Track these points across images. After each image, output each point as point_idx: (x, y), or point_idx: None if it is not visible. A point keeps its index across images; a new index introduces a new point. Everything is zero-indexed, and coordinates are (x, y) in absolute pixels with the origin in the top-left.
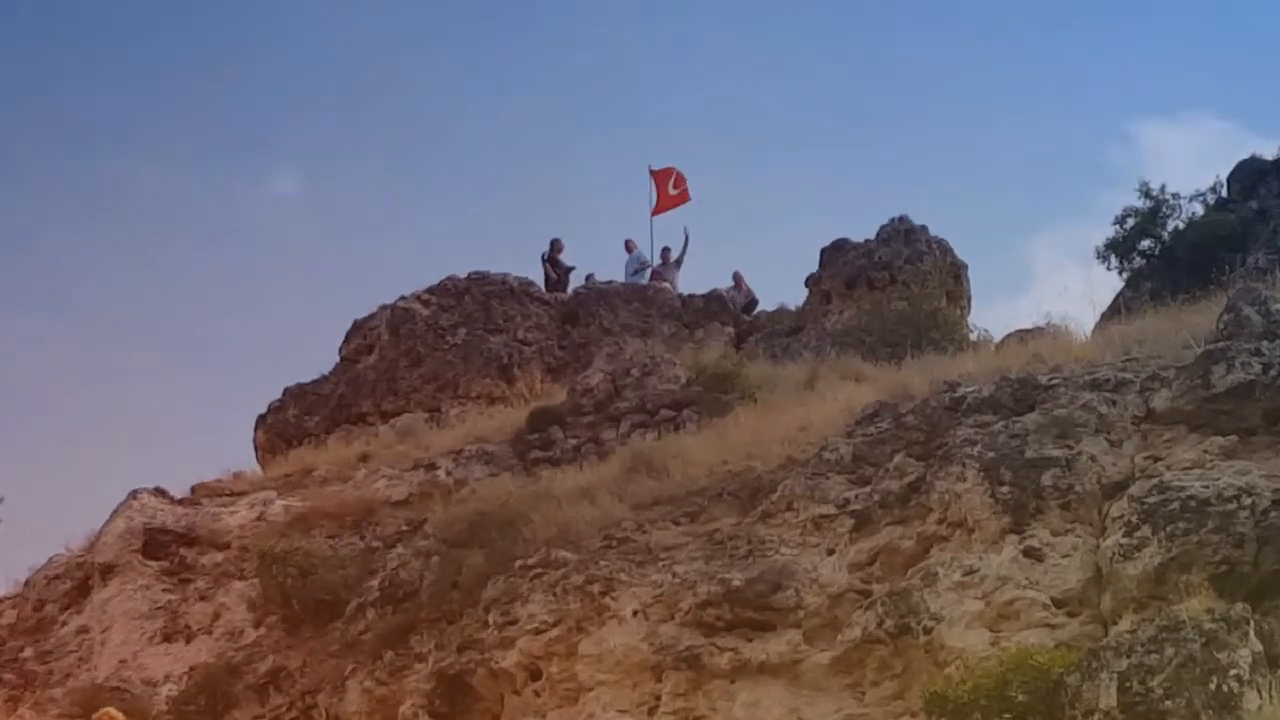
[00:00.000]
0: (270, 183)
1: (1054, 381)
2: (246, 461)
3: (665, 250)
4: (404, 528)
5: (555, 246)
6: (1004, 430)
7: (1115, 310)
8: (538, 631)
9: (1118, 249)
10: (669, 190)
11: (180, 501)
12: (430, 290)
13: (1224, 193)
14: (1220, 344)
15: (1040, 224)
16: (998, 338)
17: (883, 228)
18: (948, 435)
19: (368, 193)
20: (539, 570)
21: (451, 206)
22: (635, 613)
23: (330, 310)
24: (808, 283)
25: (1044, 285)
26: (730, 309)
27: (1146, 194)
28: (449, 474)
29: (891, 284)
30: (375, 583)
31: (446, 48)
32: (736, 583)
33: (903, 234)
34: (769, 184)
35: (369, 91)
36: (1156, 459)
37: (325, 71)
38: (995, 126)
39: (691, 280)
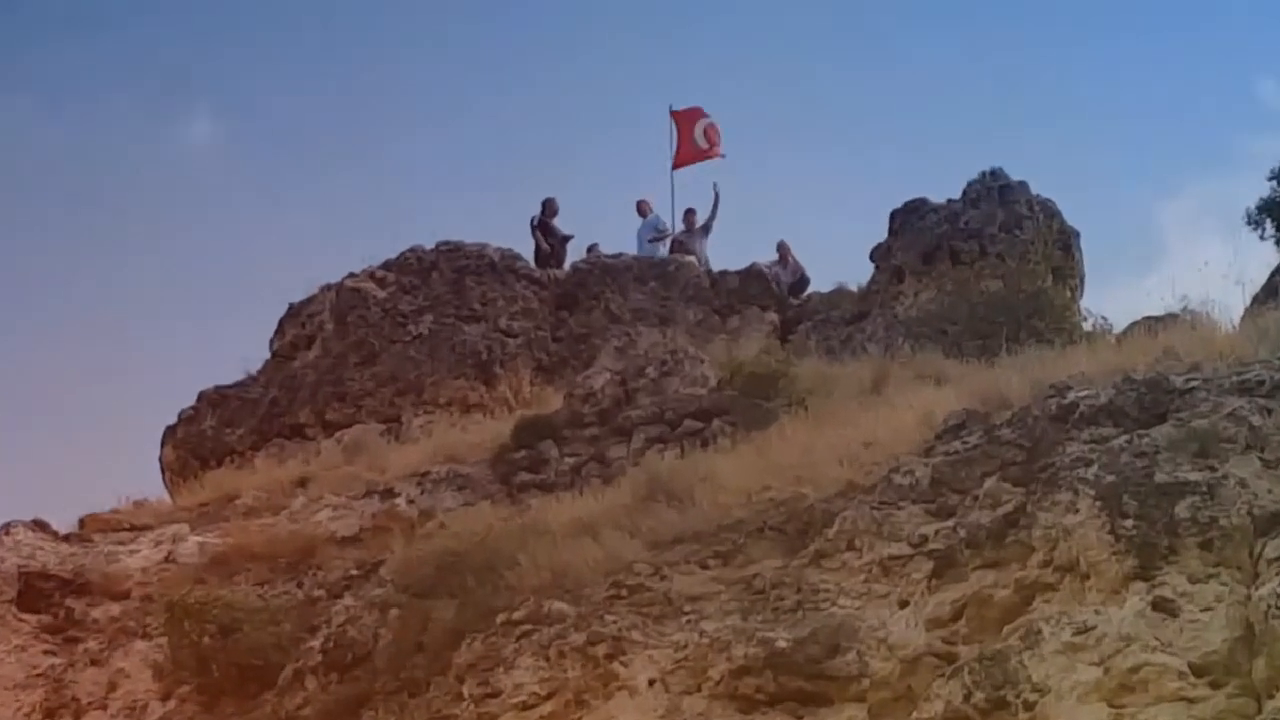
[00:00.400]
0: (184, 127)
1: (1192, 384)
2: (151, 486)
3: (689, 213)
4: (354, 572)
5: (548, 209)
6: (1127, 447)
7: (1270, 292)
8: (526, 706)
9: (1274, 212)
10: (695, 140)
11: (66, 538)
12: (387, 265)
13: None
14: None
15: (1173, 181)
16: (1119, 327)
17: (970, 185)
18: (1054, 453)
19: (306, 145)
20: (527, 627)
21: (416, 164)
22: (652, 682)
23: (259, 290)
24: (874, 255)
25: (1178, 259)
26: (774, 289)
27: None
28: (411, 503)
29: (982, 257)
30: (317, 643)
31: None
32: (782, 644)
33: (996, 192)
34: (823, 137)
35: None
36: None
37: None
38: (1114, 57)
39: (723, 253)
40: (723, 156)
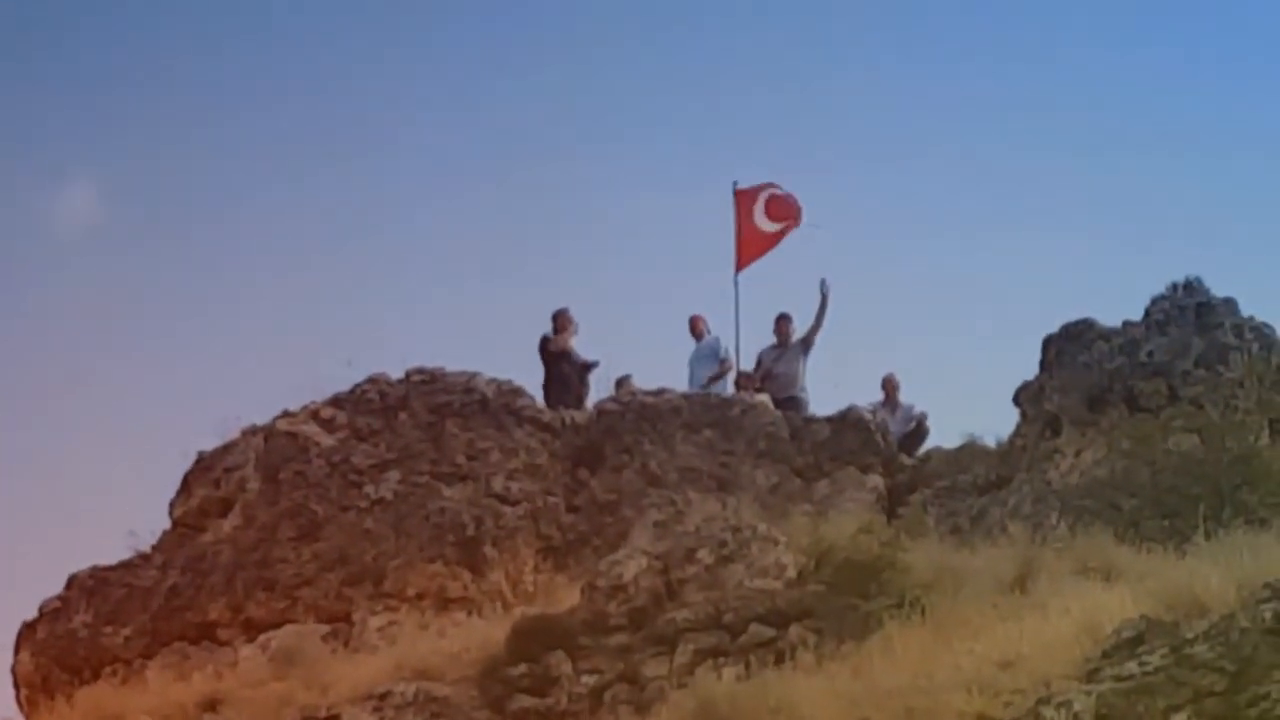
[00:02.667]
0: (60, 197)
1: None
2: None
3: (783, 321)
4: None
5: (559, 324)
6: None
7: None
8: None
9: None
10: (758, 222)
11: None
12: (337, 401)
13: None
14: None
15: None
16: None
17: (1156, 302)
18: (1269, 680)
19: (225, 229)
20: None
21: (381, 262)
22: None
23: (155, 433)
24: (1019, 398)
25: None
26: (879, 443)
27: None
28: None
29: (1171, 402)
30: None
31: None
32: None
33: (1191, 313)
34: (948, 231)
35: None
36: None
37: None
38: None
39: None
40: (781, 234)
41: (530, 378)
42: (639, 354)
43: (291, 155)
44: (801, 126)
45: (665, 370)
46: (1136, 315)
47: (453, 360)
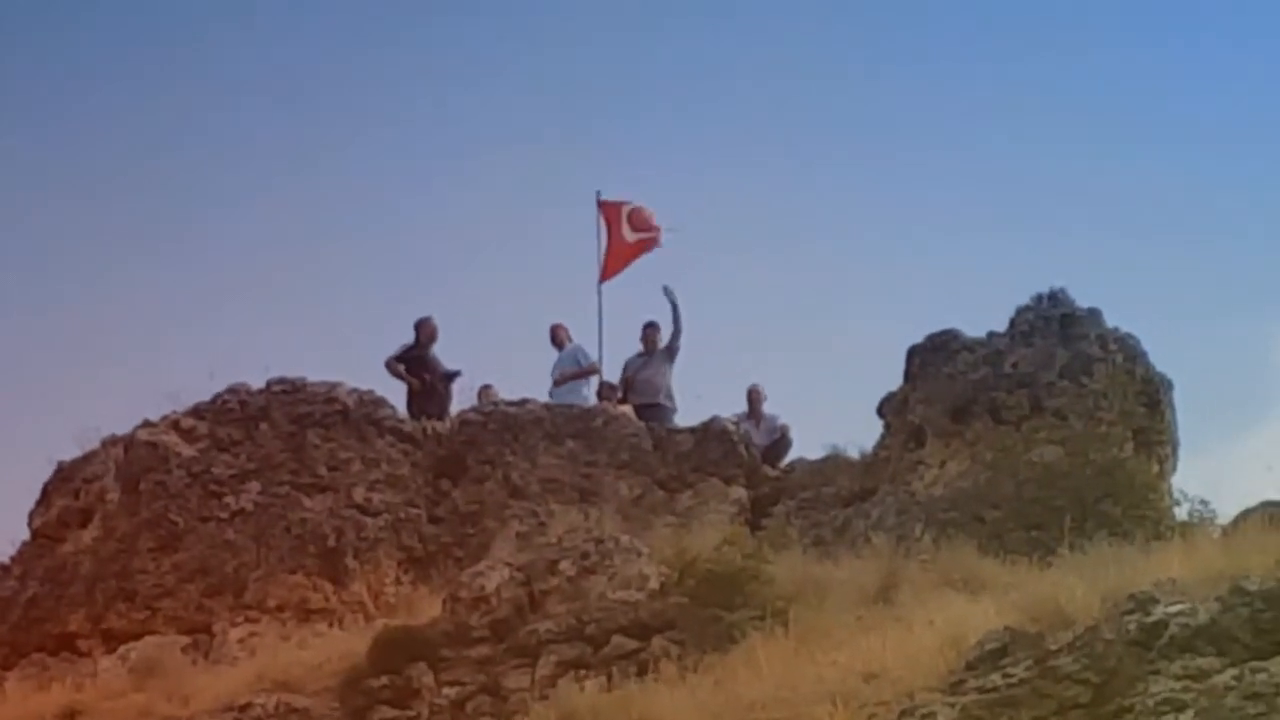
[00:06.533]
0: None
1: None
2: None
3: (650, 330)
4: None
5: (423, 334)
6: (1235, 686)
7: None
8: None
9: None
10: (624, 234)
11: None
12: (198, 411)
13: None
14: None
15: None
16: (1225, 515)
17: (1020, 313)
18: (1133, 692)
19: (82, 223)
20: None
21: (244, 269)
22: None
23: (14, 441)
24: (883, 409)
25: None
26: (742, 454)
27: None
28: None
29: (1034, 414)
30: None
31: None
32: None
33: (1056, 324)
34: (813, 247)
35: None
36: None
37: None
38: (1226, 152)
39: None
40: (659, 244)
41: (393, 388)
42: (501, 363)
43: (147, 157)
44: (663, 135)
45: (527, 379)
46: (1001, 326)
47: (315, 370)
